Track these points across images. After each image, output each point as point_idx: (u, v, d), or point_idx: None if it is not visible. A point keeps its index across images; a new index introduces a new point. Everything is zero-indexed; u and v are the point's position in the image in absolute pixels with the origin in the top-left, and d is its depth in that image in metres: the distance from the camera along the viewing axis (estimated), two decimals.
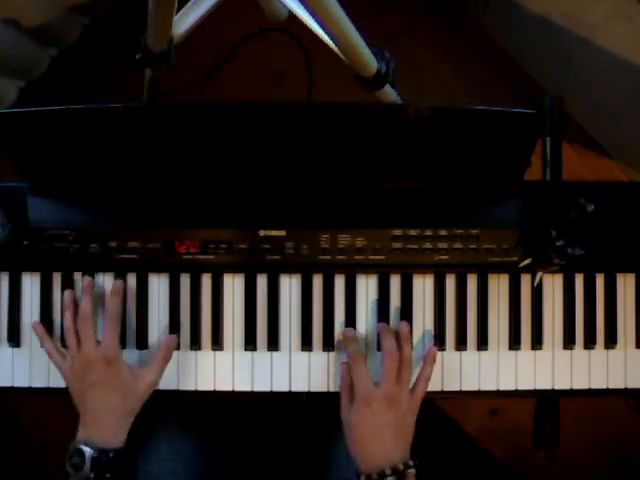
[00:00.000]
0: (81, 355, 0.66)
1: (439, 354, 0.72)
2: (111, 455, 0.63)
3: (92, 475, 0.62)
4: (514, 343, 0.72)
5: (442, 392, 0.73)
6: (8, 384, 0.73)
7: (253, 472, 0.82)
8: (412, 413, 0.67)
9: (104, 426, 0.65)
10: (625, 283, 0.74)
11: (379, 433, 0.64)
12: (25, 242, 0.69)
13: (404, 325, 0.71)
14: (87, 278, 0.71)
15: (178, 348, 0.72)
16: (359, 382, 0.66)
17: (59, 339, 0.71)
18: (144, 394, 0.67)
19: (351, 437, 0.65)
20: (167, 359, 0.69)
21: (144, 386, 0.67)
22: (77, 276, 0.72)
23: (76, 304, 0.70)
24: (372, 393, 0.65)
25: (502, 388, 0.73)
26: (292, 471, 0.81)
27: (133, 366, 0.68)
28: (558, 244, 0.65)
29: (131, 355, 0.72)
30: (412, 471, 0.62)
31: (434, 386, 0.72)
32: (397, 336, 0.70)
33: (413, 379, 0.68)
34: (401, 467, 0.62)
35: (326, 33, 0.68)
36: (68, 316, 0.68)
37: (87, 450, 0.63)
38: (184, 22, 0.82)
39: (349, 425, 0.65)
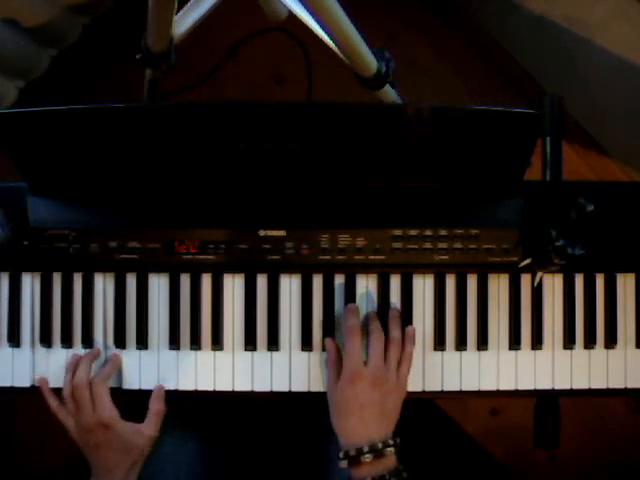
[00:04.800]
0: (80, 420, 0.67)
1: (439, 354, 0.72)
2: None
3: None
4: (514, 343, 0.72)
5: (442, 392, 0.73)
6: (8, 384, 0.73)
7: (256, 471, 0.82)
8: (398, 393, 0.67)
9: None
10: (625, 283, 0.74)
11: (362, 411, 0.64)
12: (25, 242, 0.69)
13: (394, 309, 0.71)
14: (94, 350, 0.71)
15: (177, 346, 0.72)
16: (349, 358, 0.66)
17: (60, 341, 0.72)
18: (146, 448, 0.69)
19: (334, 412, 0.66)
20: (161, 411, 0.71)
21: (144, 440, 0.68)
22: (77, 276, 0.72)
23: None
24: (360, 370, 0.65)
25: (502, 388, 0.73)
26: (294, 470, 0.81)
27: (129, 424, 0.69)
28: (558, 244, 0.65)
29: (131, 355, 0.72)
30: (391, 449, 0.63)
31: (434, 386, 0.72)
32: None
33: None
34: (379, 445, 0.63)
35: (326, 33, 0.68)
36: (68, 379, 0.69)
37: None
38: (184, 22, 0.82)
39: (333, 400, 0.66)
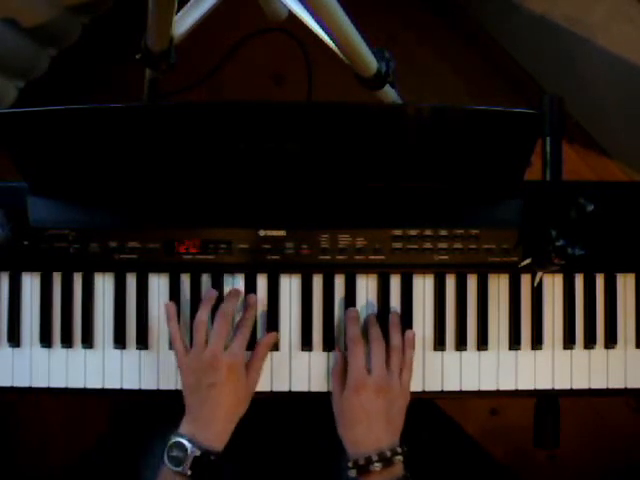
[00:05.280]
0: (207, 353, 0.65)
1: (439, 354, 0.72)
2: (212, 458, 0.63)
3: (189, 473, 0.62)
4: (514, 343, 0.72)
5: (442, 392, 0.73)
6: (8, 384, 0.73)
7: (258, 473, 0.82)
8: (401, 399, 0.67)
9: (213, 429, 0.64)
10: (625, 283, 0.74)
11: (368, 420, 0.64)
12: (25, 242, 0.69)
13: (394, 314, 0.71)
14: (235, 288, 0.71)
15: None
16: (353, 367, 0.66)
17: (60, 341, 0.72)
18: (251, 397, 0.68)
19: (341, 422, 0.66)
20: (265, 358, 0.70)
21: (253, 389, 0.68)
22: (77, 276, 0.72)
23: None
24: (364, 379, 0.65)
25: (502, 388, 0.73)
26: (297, 472, 0.81)
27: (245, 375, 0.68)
28: (558, 244, 0.65)
29: (131, 356, 0.72)
30: (399, 457, 0.63)
31: (434, 386, 0.72)
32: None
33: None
34: (388, 453, 0.63)
35: (326, 33, 0.68)
36: (204, 312, 0.68)
37: (191, 448, 0.62)
38: (184, 22, 0.82)
39: (339, 410, 0.66)
